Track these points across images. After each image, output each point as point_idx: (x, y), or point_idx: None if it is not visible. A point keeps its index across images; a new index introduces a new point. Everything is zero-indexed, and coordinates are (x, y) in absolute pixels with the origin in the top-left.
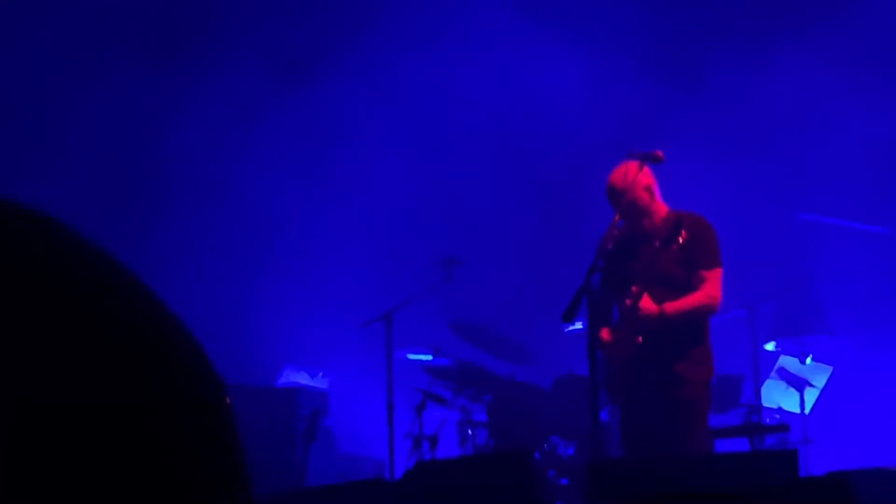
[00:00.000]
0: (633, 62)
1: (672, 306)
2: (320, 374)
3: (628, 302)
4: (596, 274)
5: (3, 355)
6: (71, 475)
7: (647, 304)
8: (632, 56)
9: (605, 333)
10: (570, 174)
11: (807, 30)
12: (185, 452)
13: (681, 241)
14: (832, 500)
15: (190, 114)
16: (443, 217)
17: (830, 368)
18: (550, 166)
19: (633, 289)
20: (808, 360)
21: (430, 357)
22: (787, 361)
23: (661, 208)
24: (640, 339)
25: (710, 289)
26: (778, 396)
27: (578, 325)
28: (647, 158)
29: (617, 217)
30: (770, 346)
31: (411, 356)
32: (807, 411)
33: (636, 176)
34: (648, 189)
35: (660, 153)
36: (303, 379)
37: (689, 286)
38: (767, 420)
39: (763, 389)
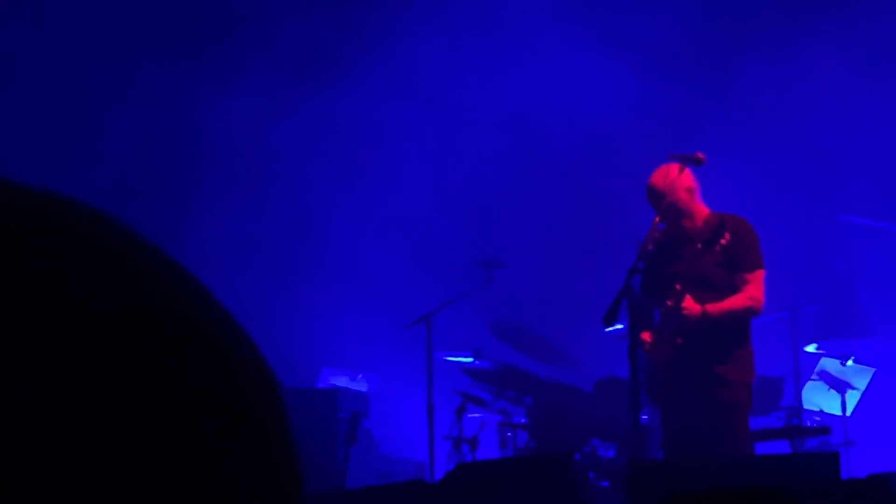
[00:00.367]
0: (670, 61)
1: (715, 307)
2: (360, 376)
3: (670, 303)
4: (637, 276)
5: (77, 357)
6: (131, 471)
7: (690, 304)
8: (668, 55)
9: (646, 335)
10: (611, 175)
11: (848, 27)
12: (233, 442)
13: (723, 242)
14: (874, 501)
15: (226, 113)
16: (483, 219)
17: (872, 370)
18: (590, 168)
19: (675, 289)
20: (850, 362)
21: (470, 359)
22: (829, 363)
23: (701, 210)
24: (681, 340)
25: (753, 290)
26: (819, 399)
27: (620, 326)
28: (687, 160)
29: (657, 219)
30: (811, 349)
31: (451, 358)
32: (848, 413)
33: (677, 178)
34: (689, 191)
35: (700, 155)
36: (343, 381)
37: (731, 288)
38: (808, 422)
39: (804, 392)
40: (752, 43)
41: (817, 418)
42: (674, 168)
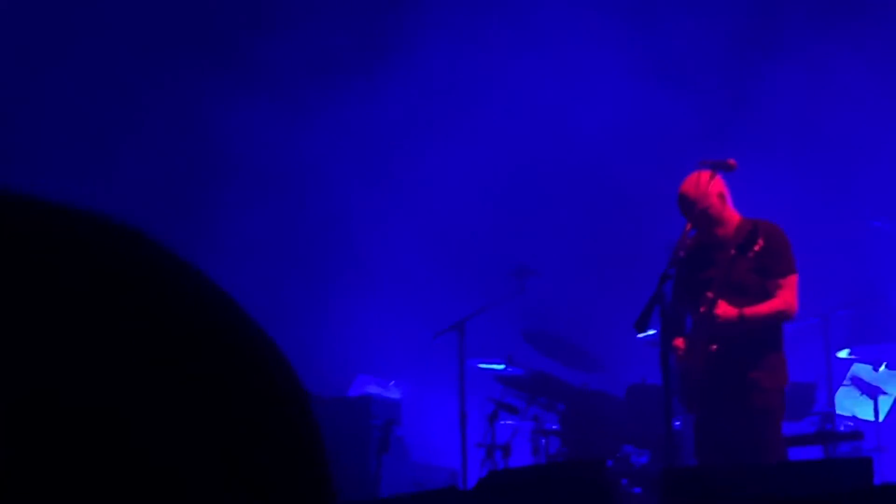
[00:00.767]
0: (699, 70)
1: (750, 311)
2: (392, 383)
3: (703, 309)
4: (668, 282)
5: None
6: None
7: (724, 308)
8: (696, 64)
9: (678, 342)
10: (642, 183)
11: (878, 30)
12: (263, 456)
13: (757, 248)
14: None
15: (251, 118)
16: (516, 226)
17: None
18: (622, 175)
19: (708, 295)
20: (882, 368)
21: (502, 366)
22: (861, 369)
23: (733, 216)
24: (715, 346)
25: (787, 296)
26: (851, 404)
27: (652, 332)
28: (718, 167)
29: (689, 226)
30: (843, 354)
31: (484, 365)
32: (881, 419)
33: (708, 185)
34: (721, 197)
35: (732, 161)
36: (375, 389)
37: (763, 294)
38: (841, 428)
39: (837, 397)
40: (781, 49)
41: (850, 423)
42: (705, 175)
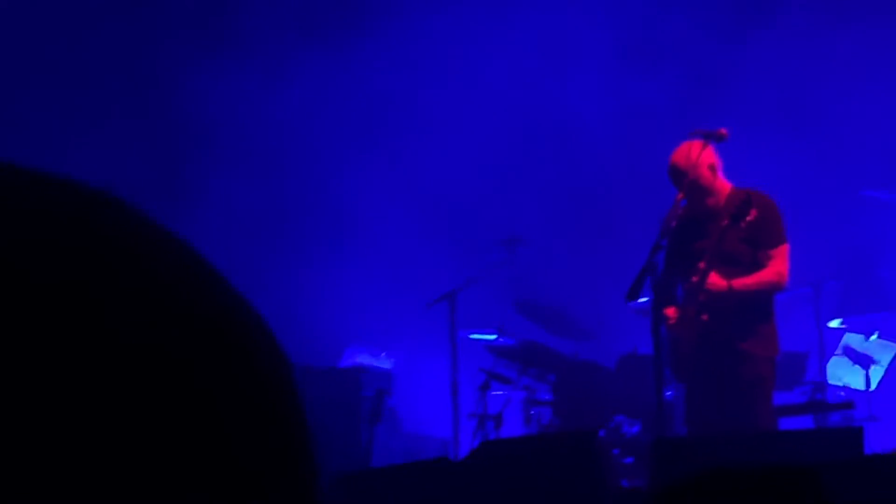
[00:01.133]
0: (688, 36)
1: (741, 282)
2: (383, 354)
3: (694, 279)
4: (660, 252)
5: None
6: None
7: (715, 279)
8: (686, 30)
9: (670, 312)
10: (634, 153)
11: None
12: (246, 433)
13: (750, 219)
14: None
15: (233, 84)
16: (506, 196)
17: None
18: (614, 145)
19: (700, 266)
20: (874, 337)
21: (493, 336)
22: (852, 338)
23: (724, 186)
24: (706, 317)
25: (779, 266)
26: (843, 374)
27: (644, 300)
28: (710, 137)
29: (680, 196)
30: (835, 324)
31: (475, 336)
32: (872, 388)
33: (700, 155)
34: (712, 168)
35: (723, 131)
36: (367, 359)
37: (755, 264)
38: (832, 398)
39: (828, 367)
40: (769, 19)
41: (841, 393)
42: (696, 145)
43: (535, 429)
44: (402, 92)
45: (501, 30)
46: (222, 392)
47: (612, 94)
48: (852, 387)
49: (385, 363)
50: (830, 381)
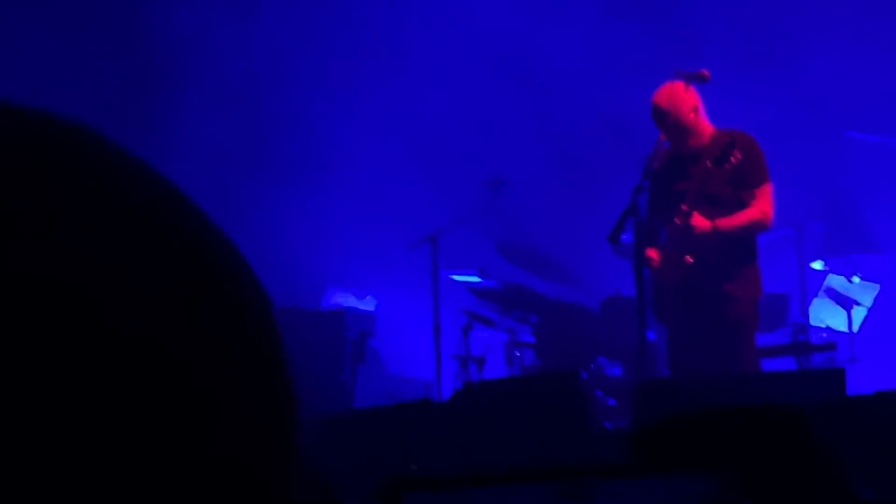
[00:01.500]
0: None
1: (725, 222)
2: (369, 297)
3: (678, 221)
4: (642, 194)
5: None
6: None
7: (699, 220)
8: None
9: (652, 253)
10: (617, 92)
11: None
12: (226, 373)
13: (734, 161)
14: (880, 418)
15: (209, 19)
16: (489, 137)
17: (878, 286)
18: (596, 85)
19: (683, 207)
20: (856, 279)
21: (476, 278)
22: (835, 280)
23: (706, 128)
24: (690, 258)
25: (763, 205)
26: (825, 315)
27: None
28: (692, 78)
29: (662, 136)
30: (817, 265)
31: (457, 277)
32: (854, 330)
33: (682, 96)
34: (695, 109)
35: (706, 72)
36: (349, 301)
37: (738, 205)
38: (815, 339)
39: (810, 308)
40: None
41: (824, 335)
42: (678, 86)
43: (517, 370)
44: (386, 28)
45: None
46: (200, 326)
47: (595, 36)
48: (835, 328)
49: (368, 304)
50: (813, 323)
